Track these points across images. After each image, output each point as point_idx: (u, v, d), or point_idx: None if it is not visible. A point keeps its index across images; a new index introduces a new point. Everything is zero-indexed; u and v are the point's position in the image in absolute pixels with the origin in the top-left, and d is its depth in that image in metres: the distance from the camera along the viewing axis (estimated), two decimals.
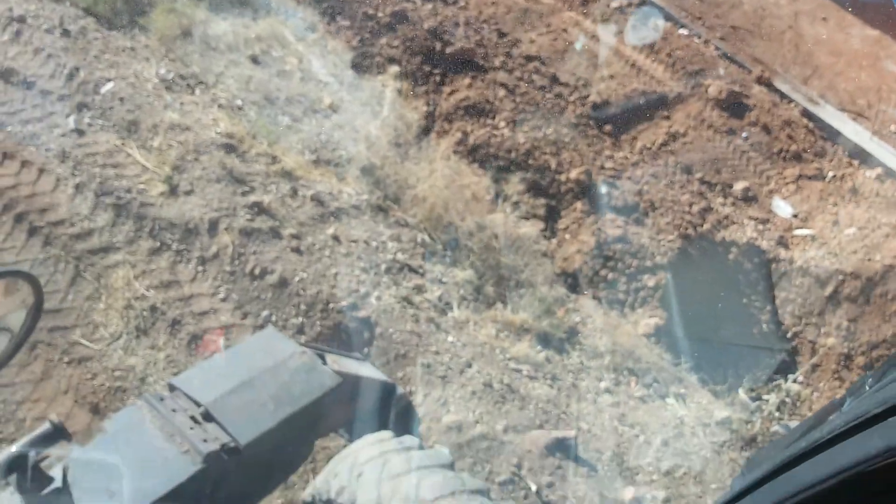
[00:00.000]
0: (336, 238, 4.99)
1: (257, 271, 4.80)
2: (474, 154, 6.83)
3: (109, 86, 5.86)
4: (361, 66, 6.78)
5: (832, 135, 8.70)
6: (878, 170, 8.38)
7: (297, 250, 4.87)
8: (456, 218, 5.38)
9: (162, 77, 6.20)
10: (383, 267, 4.95)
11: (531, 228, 5.80)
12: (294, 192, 5.20)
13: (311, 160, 5.56)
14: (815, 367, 7.07)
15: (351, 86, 6.21)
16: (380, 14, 7.94)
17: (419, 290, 4.87)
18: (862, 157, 8.54)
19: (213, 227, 4.98)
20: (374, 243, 5.00)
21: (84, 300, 4.55)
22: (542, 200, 6.89)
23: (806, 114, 8.85)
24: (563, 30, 9.37)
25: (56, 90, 6.05)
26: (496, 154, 6.90)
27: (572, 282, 6.49)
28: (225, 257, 4.82)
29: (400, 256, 5.00)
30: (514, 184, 6.19)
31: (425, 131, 6.59)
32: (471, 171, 5.98)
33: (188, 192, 5.18)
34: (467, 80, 7.65)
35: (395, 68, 6.83)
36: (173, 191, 5.17)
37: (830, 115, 8.89)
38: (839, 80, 9.79)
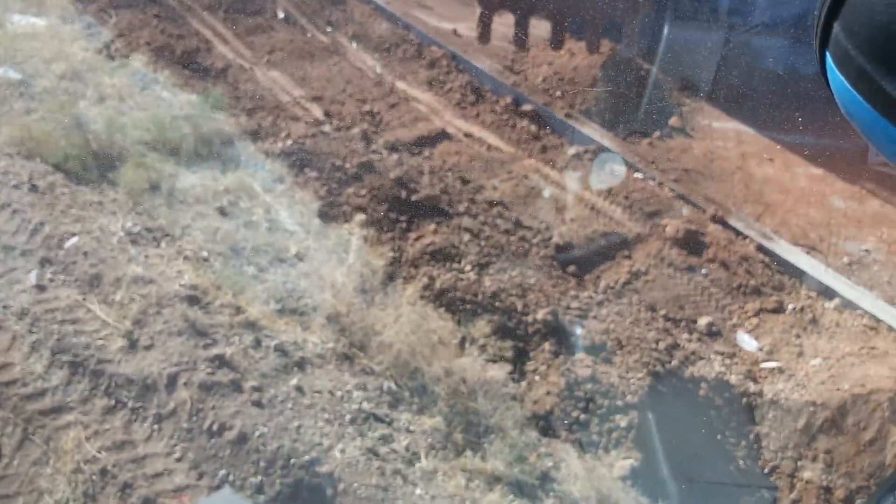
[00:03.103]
0: (299, 389, 4.88)
1: (216, 427, 4.64)
2: (441, 298, 6.89)
3: (74, 240, 5.90)
4: (328, 214, 6.96)
5: (788, 269, 8.96)
6: (836, 300, 8.57)
7: (258, 403, 4.74)
8: (423, 364, 5.33)
9: (128, 230, 6.28)
10: (348, 417, 4.82)
11: (499, 372, 5.75)
12: (257, 343, 5.14)
13: (276, 310, 5.55)
14: (795, 502, 6.88)
15: (317, 234, 6.33)
16: (347, 165, 8.25)
17: (386, 440, 4.72)
18: (819, 289, 8.76)
19: (171, 382, 4.86)
20: (338, 393, 4.90)
21: (30, 465, 4.33)
22: (510, 342, 6.88)
23: (761, 249, 9.15)
24: (524, 176, 9.77)
25: (20, 245, 6.07)
26: (463, 298, 6.95)
27: (544, 424, 6.37)
28: (182, 414, 4.67)
29: (366, 405, 4.89)
30: (481, 327, 6.21)
31: (391, 277, 6.67)
32: (437, 316, 6.00)
33: (148, 347, 5.10)
34: (433, 226, 7.85)
35: (360, 216, 7.01)
36: (132, 346, 5.09)
37: (785, 249, 9.20)
38: (790, 217, 10.22)
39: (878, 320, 8.32)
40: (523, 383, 6.68)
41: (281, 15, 12.13)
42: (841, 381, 7.37)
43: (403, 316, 5.57)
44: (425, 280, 6.96)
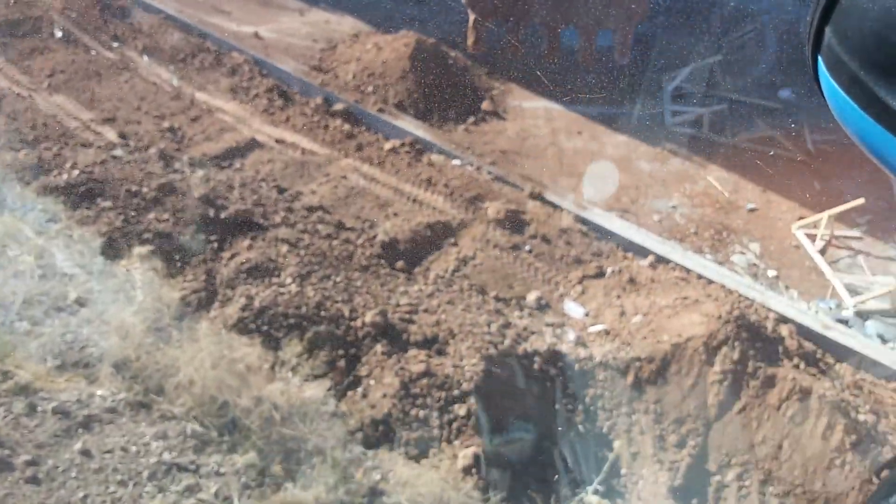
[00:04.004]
0: (86, 453, 4.40)
1: None
2: (261, 317, 6.58)
3: None
4: (115, 249, 6.40)
5: (604, 234, 9.39)
6: (650, 258, 9.10)
7: (33, 480, 4.21)
8: (231, 397, 5.01)
9: None
10: (146, 474, 4.40)
11: (317, 390, 5.55)
12: (31, 409, 4.58)
13: (55, 366, 4.98)
14: (635, 454, 7.23)
15: (101, 274, 5.80)
16: (145, 189, 7.68)
17: (192, 490, 4.37)
18: (634, 249, 9.26)
19: None
20: (133, 448, 4.48)
21: None
22: (341, 351, 6.70)
23: (578, 219, 9.53)
24: (343, 177, 9.58)
25: None
26: (285, 313, 6.68)
27: (384, 428, 6.25)
28: None
29: (167, 456, 4.51)
30: (293, 346, 5.96)
31: (202, 304, 6.27)
32: (245, 342, 5.69)
33: None
34: (247, 242, 7.49)
35: (145, 248, 6.50)
36: None
37: (599, 216, 9.64)
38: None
39: (688, 271, 8.92)
40: (359, 389, 6.53)
41: (58, 34, 11.13)
42: (660, 333, 7.82)
43: (203, 350, 5.22)
44: (243, 301, 6.62)
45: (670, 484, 6.88)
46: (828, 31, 0.81)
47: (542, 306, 8.37)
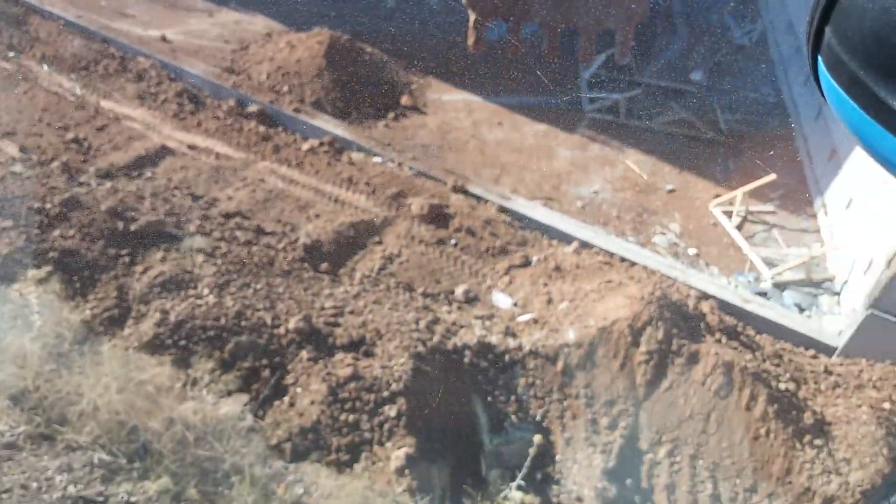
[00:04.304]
0: None
1: None
2: (178, 332, 6.33)
3: None
4: (12, 271, 6.03)
5: (529, 223, 9.43)
6: (575, 244, 9.19)
7: None
8: (140, 421, 4.79)
9: None
10: None
11: (233, 406, 5.36)
12: None
13: None
14: (568, 440, 7.28)
15: None
16: (48, 206, 7.31)
17: None
18: (558, 236, 9.33)
19: None
20: (35, 484, 4.21)
21: None
22: (265, 361, 6.52)
23: (502, 209, 9.54)
24: (260, 180, 9.34)
25: None
26: (203, 325, 6.45)
27: (314, 436, 6.12)
28: None
29: (72, 489, 4.26)
30: (204, 362, 5.75)
31: (112, 322, 5.99)
32: (154, 362, 5.45)
33: None
34: (160, 254, 7.21)
35: (43, 270, 6.15)
36: None
37: (523, 206, 9.68)
38: (525, 174, 10.78)
39: (611, 255, 9.04)
40: (285, 398, 6.37)
41: None
42: (587, 318, 7.90)
43: (109, 373, 4.97)
44: (158, 316, 6.37)
45: (604, 466, 6.96)
46: (828, 30, 0.80)
47: (471, 299, 8.36)
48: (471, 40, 11.77)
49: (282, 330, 6.77)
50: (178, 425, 4.77)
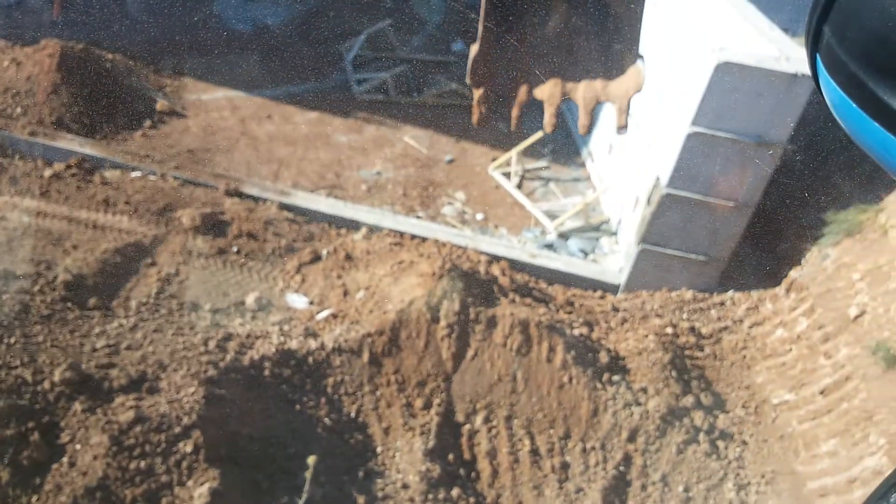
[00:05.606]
0: None
1: None
2: None
3: None
4: None
5: (313, 216, 9.11)
6: (363, 230, 9.02)
7: None
8: None
9: None
10: None
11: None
12: None
13: None
14: (386, 429, 7.15)
15: None
16: None
17: None
18: (345, 224, 9.11)
19: None
20: None
21: None
22: (31, 424, 5.72)
23: (283, 206, 9.13)
24: (1, 218, 8.19)
25: None
26: None
27: (103, 494, 5.46)
28: None
29: None
30: None
31: None
32: None
33: None
34: None
35: None
36: None
37: (305, 199, 9.32)
38: (304, 165, 10.41)
39: (401, 234, 8.98)
40: (63, 459, 5.63)
41: None
42: (385, 303, 7.77)
43: None
44: None
45: (425, 448, 6.90)
46: (826, 30, 0.80)
47: (264, 306, 7.92)
48: (475, 117, 11.19)
49: (46, 384, 5.96)
50: None
